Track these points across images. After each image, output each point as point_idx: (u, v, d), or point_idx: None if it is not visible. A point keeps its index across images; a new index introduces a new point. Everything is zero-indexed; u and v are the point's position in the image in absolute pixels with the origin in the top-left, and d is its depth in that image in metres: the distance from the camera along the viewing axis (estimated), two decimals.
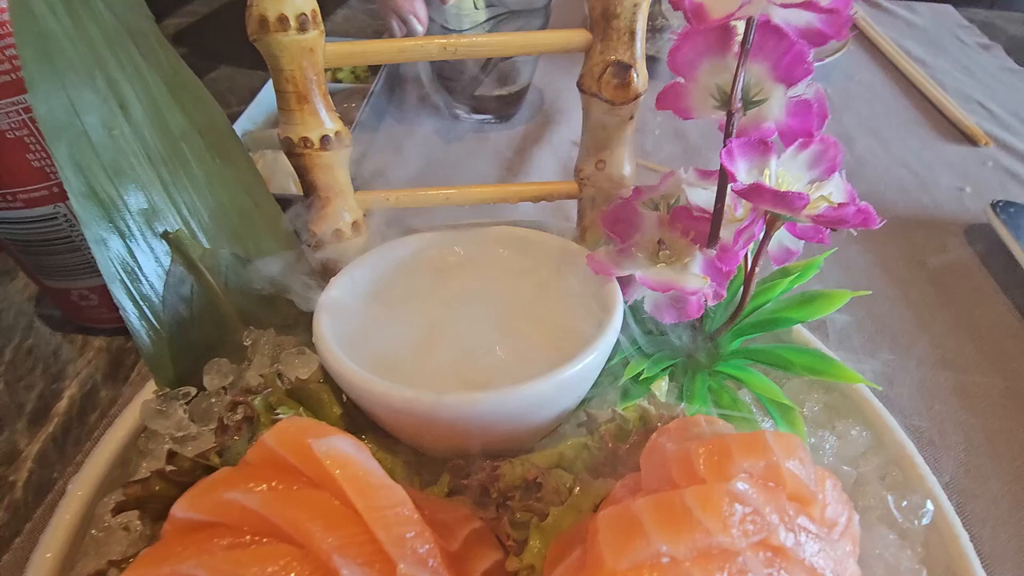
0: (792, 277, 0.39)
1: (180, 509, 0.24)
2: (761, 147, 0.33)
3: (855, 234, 0.72)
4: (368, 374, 0.29)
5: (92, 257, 0.53)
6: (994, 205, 0.71)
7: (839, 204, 0.30)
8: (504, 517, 0.28)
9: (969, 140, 0.92)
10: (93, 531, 0.31)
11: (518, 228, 0.40)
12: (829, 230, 0.35)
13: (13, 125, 0.45)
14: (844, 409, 0.37)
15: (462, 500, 0.30)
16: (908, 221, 0.77)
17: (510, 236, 0.40)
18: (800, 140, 0.33)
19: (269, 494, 0.23)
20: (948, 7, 1.32)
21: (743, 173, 0.32)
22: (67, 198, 0.50)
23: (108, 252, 0.35)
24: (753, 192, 0.30)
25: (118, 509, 0.29)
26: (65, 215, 0.51)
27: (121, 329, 0.61)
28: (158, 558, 0.23)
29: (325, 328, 0.32)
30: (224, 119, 0.38)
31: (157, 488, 0.28)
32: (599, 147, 0.40)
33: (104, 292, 0.56)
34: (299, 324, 0.41)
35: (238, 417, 0.30)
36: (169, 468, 0.28)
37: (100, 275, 0.56)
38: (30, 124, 0.46)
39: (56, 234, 0.52)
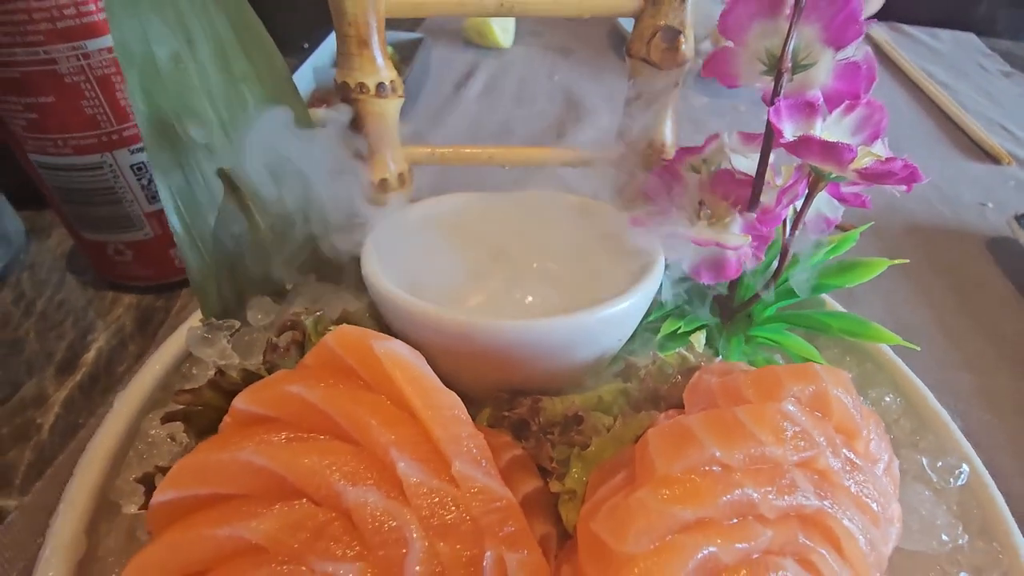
0: (828, 248, 0.39)
1: (241, 401, 0.24)
2: (808, 109, 0.33)
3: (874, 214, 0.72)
4: (412, 297, 0.30)
5: (131, 212, 0.55)
6: (1018, 218, 0.72)
7: (886, 159, 0.30)
8: (546, 445, 0.29)
9: (992, 159, 0.92)
10: (138, 445, 0.31)
11: (560, 193, 0.41)
12: (869, 197, 0.36)
13: (72, 70, 0.47)
14: (878, 378, 0.37)
15: (503, 431, 0.30)
16: (931, 232, 0.78)
17: (554, 199, 0.41)
18: (846, 103, 0.34)
19: (329, 390, 0.24)
20: (971, 35, 1.34)
21: (789, 133, 0.33)
22: (114, 148, 0.51)
23: (167, 179, 0.36)
24: (802, 145, 0.31)
25: (167, 419, 0.29)
26: (111, 165, 0.52)
27: (151, 288, 0.63)
28: (217, 445, 0.24)
29: (373, 258, 0.33)
30: (284, 66, 0.40)
31: (207, 396, 0.28)
32: (642, 113, 0.41)
33: (138, 248, 0.58)
34: (338, 273, 0.42)
35: (288, 339, 0.31)
36: (221, 377, 0.29)
37: (137, 230, 0.57)
38: (88, 71, 0.47)
39: (100, 184, 0.53)
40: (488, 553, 0.22)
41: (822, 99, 0.35)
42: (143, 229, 0.57)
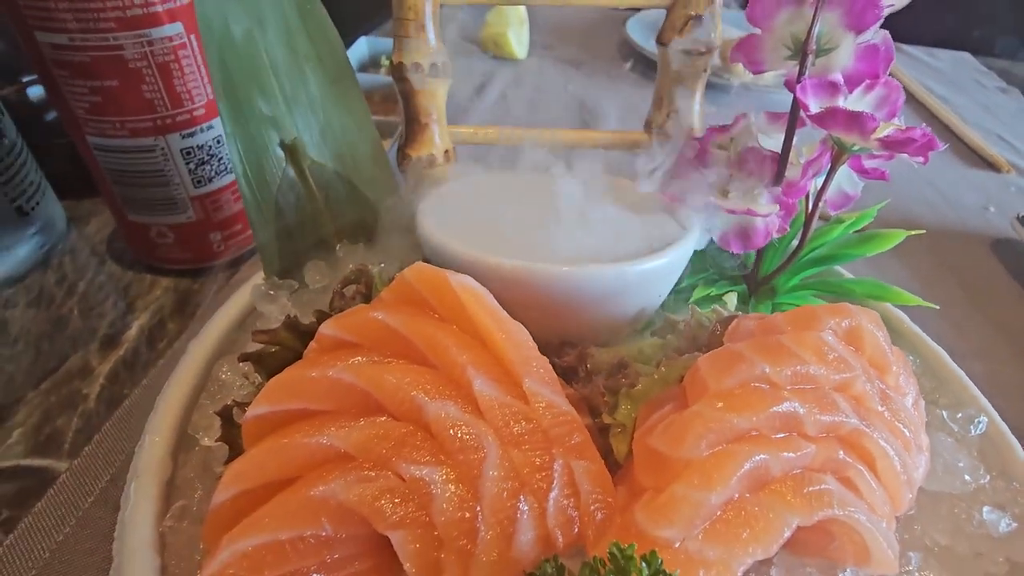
0: (848, 223, 0.42)
1: (328, 328, 0.26)
2: (831, 88, 0.36)
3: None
4: (464, 246, 0.32)
5: (177, 195, 0.58)
6: (1020, 218, 0.75)
7: (906, 128, 0.33)
8: (596, 383, 0.31)
9: (992, 167, 0.96)
10: (210, 387, 0.33)
11: (599, 172, 0.44)
12: (887, 170, 0.39)
13: (135, 56, 0.50)
14: (899, 344, 0.39)
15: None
16: (936, 233, 0.81)
17: (592, 177, 0.43)
18: (867, 82, 0.37)
19: (410, 317, 0.26)
20: (967, 54, 1.39)
21: (815, 108, 0.36)
22: (167, 132, 0.54)
23: (237, 146, 0.39)
24: (828, 116, 0.34)
25: (243, 358, 0.31)
26: (163, 148, 0.55)
27: (187, 271, 0.65)
28: (307, 366, 0.26)
29: (427, 220, 0.35)
30: (342, 49, 0.43)
31: (282, 337, 0.31)
32: (672, 98, 0.44)
33: (180, 231, 0.61)
34: (387, 241, 0.44)
35: (353, 290, 0.33)
36: (295, 321, 0.31)
37: (180, 213, 0.60)
38: (150, 57, 0.50)
39: (151, 166, 0.56)
40: (558, 461, 0.24)
41: (843, 82, 0.38)
42: (187, 212, 0.60)
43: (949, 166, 0.95)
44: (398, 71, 0.40)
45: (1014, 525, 0.30)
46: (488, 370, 0.25)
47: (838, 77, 0.37)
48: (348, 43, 1.01)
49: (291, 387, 0.25)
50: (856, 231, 0.42)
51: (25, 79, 0.70)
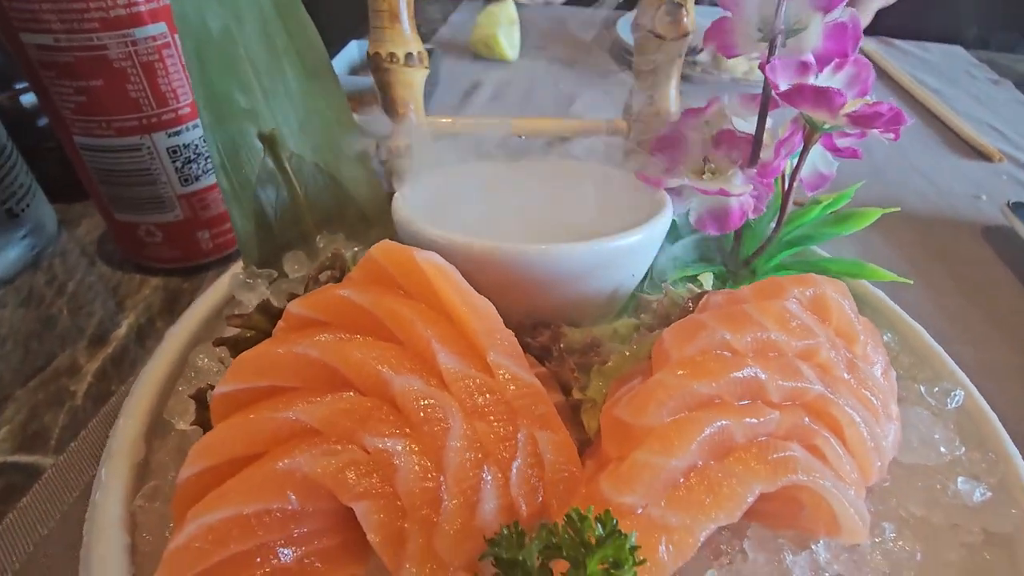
0: (824, 204, 0.42)
1: (296, 307, 0.27)
2: (801, 67, 0.37)
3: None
4: (437, 229, 0.32)
5: (164, 193, 0.58)
6: (1011, 205, 0.75)
7: (873, 103, 0.33)
8: (568, 360, 0.31)
9: (983, 157, 0.96)
10: (188, 373, 0.34)
11: (574, 159, 0.44)
12: (859, 148, 0.39)
13: (120, 55, 0.51)
14: (877, 322, 0.39)
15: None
16: (927, 221, 0.81)
17: (567, 163, 0.44)
18: (835, 61, 0.37)
19: (375, 295, 0.26)
20: (958, 48, 1.40)
21: (784, 87, 0.36)
22: (152, 131, 0.55)
23: (216, 138, 0.39)
24: (795, 93, 0.34)
25: (218, 343, 0.31)
26: (149, 147, 0.56)
27: (176, 270, 0.65)
28: (274, 343, 0.26)
29: (403, 205, 0.36)
30: (320, 45, 0.43)
31: (256, 320, 0.31)
32: (649, 84, 0.44)
33: (168, 229, 0.61)
34: (366, 233, 0.45)
35: (327, 276, 0.34)
36: (268, 304, 0.31)
37: (168, 212, 0.61)
38: (134, 56, 0.51)
39: (137, 165, 0.56)
40: (521, 431, 0.24)
41: (814, 62, 0.38)
42: (174, 211, 0.60)
43: (941, 158, 0.95)
44: (374, 61, 0.41)
45: (988, 495, 0.30)
46: (453, 344, 0.26)
47: (809, 57, 0.38)
48: (339, 47, 1.02)
49: (258, 364, 0.26)
50: (833, 212, 0.42)
51: (18, 86, 0.71)
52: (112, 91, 0.51)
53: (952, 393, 0.34)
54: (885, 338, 0.38)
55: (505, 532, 0.20)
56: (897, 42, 1.41)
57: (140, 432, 0.30)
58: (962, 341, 0.61)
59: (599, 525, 0.19)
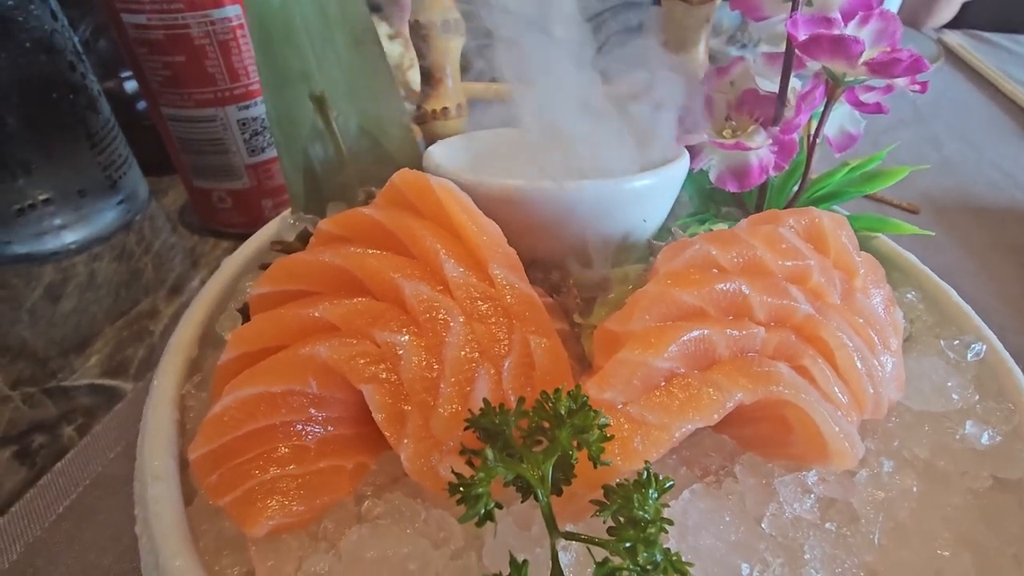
0: (852, 166, 0.42)
1: (325, 224, 0.30)
2: (824, 22, 0.37)
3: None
4: (461, 171, 0.35)
5: (234, 162, 0.65)
6: None
7: (892, 49, 0.33)
8: (574, 292, 0.33)
9: None
10: (238, 296, 0.38)
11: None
12: (886, 104, 0.38)
13: (200, 34, 0.57)
14: (904, 282, 0.39)
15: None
16: (998, 213, 0.77)
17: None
18: (861, 15, 0.37)
19: (394, 216, 0.30)
20: None
21: (801, 40, 0.36)
22: (226, 104, 0.61)
23: (272, 98, 0.44)
24: (813, 43, 0.34)
25: (262, 267, 0.36)
26: (222, 119, 0.62)
27: (243, 235, 0.72)
28: (304, 254, 0.30)
29: (432, 153, 0.39)
30: (368, 17, 0.47)
31: (295, 247, 0.35)
32: (678, 48, 0.45)
33: (237, 196, 0.68)
34: None
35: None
36: (307, 232, 0.35)
37: (237, 180, 0.67)
38: (212, 35, 0.58)
39: (212, 135, 0.63)
40: (516, 333, 0.26)
41: (839, 17, 0.38)
42: (242, 179, 0.67)
43: (1021, 150, 0.90)
44: (413, 29, 0.44)
45: (998, 439, 0.29)
46: (459, 257, 0.28)
47: (835, 13, 0.38)
48: None
49: (290, 270, 0.29)
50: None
51: (123, 74, 0.80)
52: (193, 66, 0.58)
53: (972, 346, 0.33)
54: (908, 296, 0.37)
55: (489, 406, 0.22)
56: (986, 35, 1.33)
57: (195, 336, 0.35)
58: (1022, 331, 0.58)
59: (571, 400, 0.21)
